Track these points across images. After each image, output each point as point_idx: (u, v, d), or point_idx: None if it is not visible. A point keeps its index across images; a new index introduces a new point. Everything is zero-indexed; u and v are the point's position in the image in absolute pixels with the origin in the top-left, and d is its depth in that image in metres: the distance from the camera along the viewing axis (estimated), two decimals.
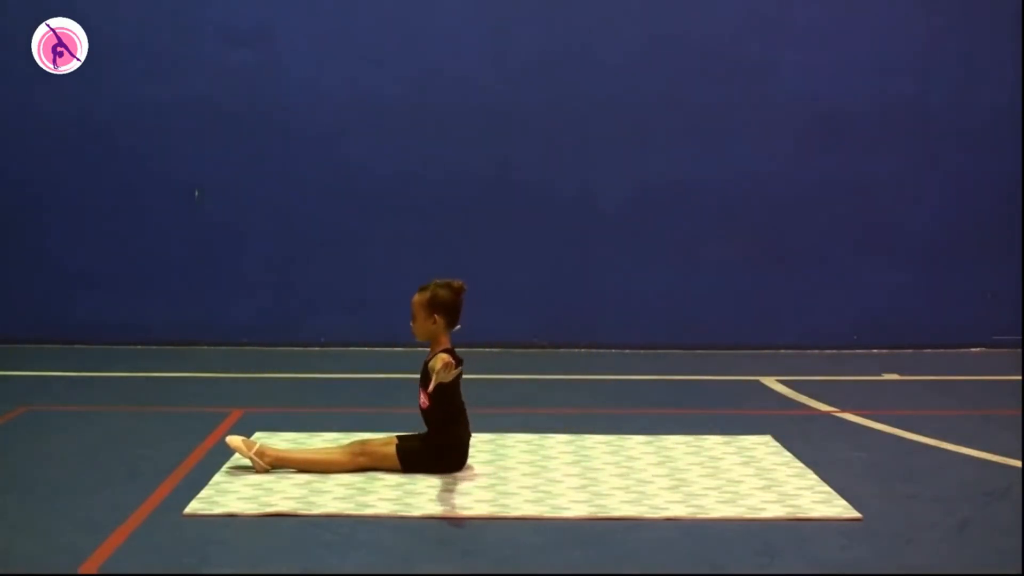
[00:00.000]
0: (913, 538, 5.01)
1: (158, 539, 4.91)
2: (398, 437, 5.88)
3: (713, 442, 6.48)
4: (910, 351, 9.59)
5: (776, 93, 9.57)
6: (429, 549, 4.85)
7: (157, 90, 9.46)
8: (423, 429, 5.89)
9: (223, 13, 9.48)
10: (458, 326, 5.92)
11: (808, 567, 4.67)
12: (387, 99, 9.50)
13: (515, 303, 9.58)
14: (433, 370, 5.57)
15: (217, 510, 5.25)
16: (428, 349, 5.90)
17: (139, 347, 9.46)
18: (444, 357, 5.61)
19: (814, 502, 5.42)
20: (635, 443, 6.45)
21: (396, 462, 5.79)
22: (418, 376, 5.89)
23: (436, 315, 5.81)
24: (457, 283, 5.88)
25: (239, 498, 5.41)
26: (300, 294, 9.62)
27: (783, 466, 6.02)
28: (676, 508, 5.33)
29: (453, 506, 5.34)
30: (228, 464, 5.93)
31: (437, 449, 5.82)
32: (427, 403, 5.77)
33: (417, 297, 5.85)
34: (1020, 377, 8.33)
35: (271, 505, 5.31)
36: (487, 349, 9.48)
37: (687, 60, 9.54)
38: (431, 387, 5.56)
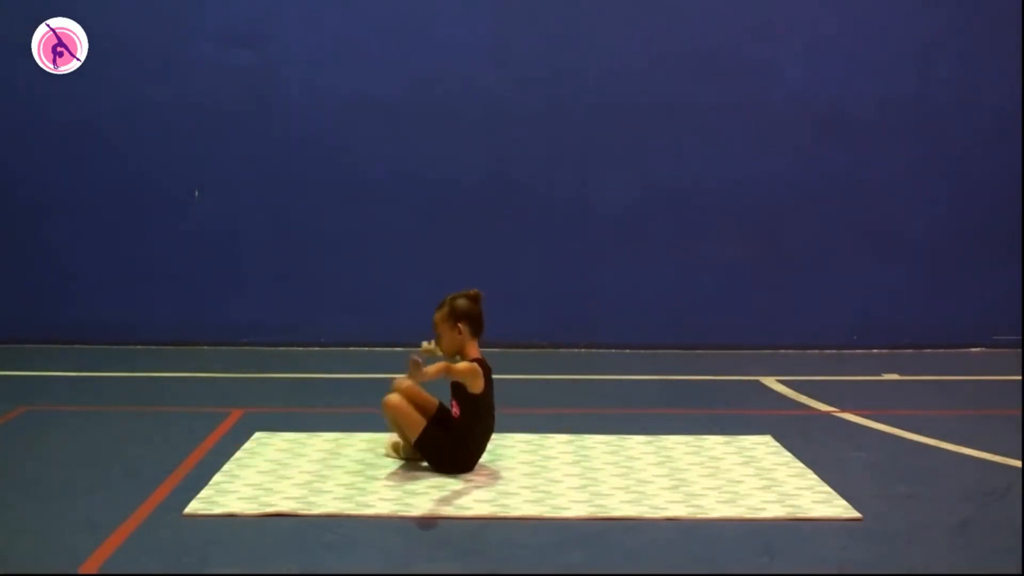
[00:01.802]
0: (913, 538, 5.02)
1: (158, 539, 4.91)
2: (438, 409, 5.94)
3: (713, 442, 6.48)
4: (910, 351, 9.58)
5: (776, 94, 9.57)
6: (429, 549, 4.85)
7: (157, 90, 9.46)
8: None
9: (222, 14, 9.48)
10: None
11: (808, 567, 4.67)
12: (387, 100, 9.50)
13: (515, 303, 9.57)
14: (461, 373, 5.66)
15: (217, 510, 5.25)
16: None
17: (139, 347, 9.46)
18: (465, 364, 5.73)
19: (814, 502, 5.42)
20: (635, 443, 6.45)
21: (418, 431, 5.80)
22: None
23: (459, 324, 5.88)
24: (473, 291, 5.98)
25: (239, 498, 5.41)
26: (300, 294, 9.62)
27: (783, 466, 6.02)
28: (676, 508, 5.33)
29: (453, 506, 5.34)
30: (228, 464, 5.94)
31: (451, 450, 5.85)
32: (458, 412, 5.80)
33: (437, 314, 5.93)
34: (1020, 377, 8.33)
35: (271, 505, 5.31)
36: (487, 349, 9.43)
37: (687, 61, 9.53)
38: (454, 371, 5.60)
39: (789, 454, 6.23)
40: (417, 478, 5.75)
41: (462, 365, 5.73)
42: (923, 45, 9.59)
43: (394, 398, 5.84)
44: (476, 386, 5.76)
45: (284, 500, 5.38)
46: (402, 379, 5.91)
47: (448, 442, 5.84)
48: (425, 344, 6.12)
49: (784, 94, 9.57)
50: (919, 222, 9.67)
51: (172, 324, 9.55)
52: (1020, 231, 9.58)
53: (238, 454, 6.15)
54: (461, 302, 5.91)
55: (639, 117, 9.55)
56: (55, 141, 9.50)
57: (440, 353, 6.06)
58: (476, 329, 5.93)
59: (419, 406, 5.92)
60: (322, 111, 9.51)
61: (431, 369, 5.50)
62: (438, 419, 5.91)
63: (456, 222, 9.58)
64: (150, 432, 6.72)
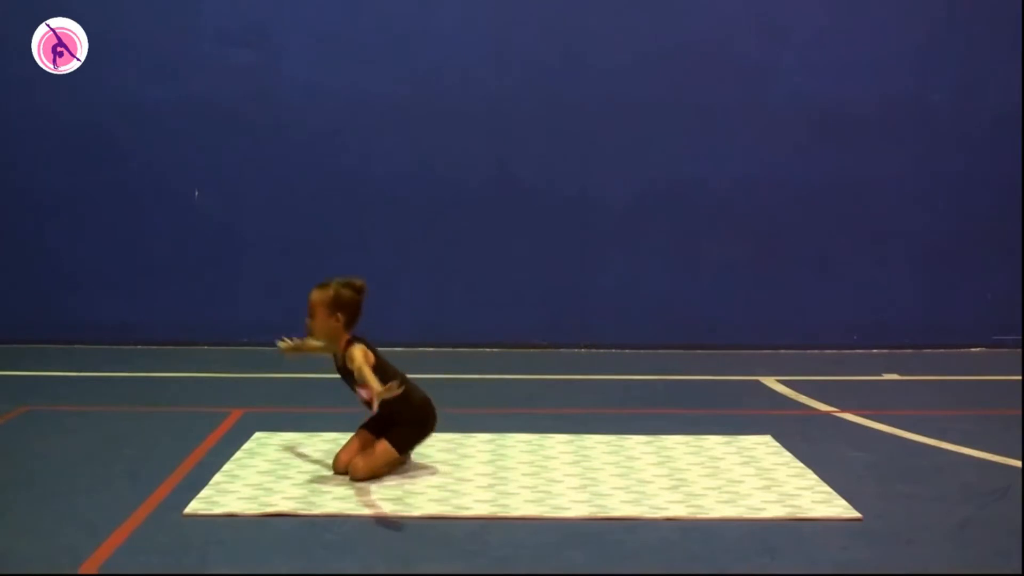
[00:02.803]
0: (913, 538, 5.01)
1: (158, 539, 4.90)
2: (373, 431, 5.83)
3: (713, 442, 6.48)
4: (910, 351, 9.59)
5: (776, 93, 9.57)
6: (429, 549, 4.85)
7: (157, 90, 9.47)
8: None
9: (222, 13, 9.48)
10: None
11: (808, 567, 4.67)
12: (387, 99, 9.50)
13: (515, 303, 9.58)
14: (361, 375, 5.52)
15: (217, 510, 5.25)
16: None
17: (139, 347, 9.46)
18: (358, 356, 5.58)
19: (814, 502, 5.42)
20: (635, 443, 6.44)
21: (395, 454, 5.78)
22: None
23: (338, 313, 5.76)
24: (359, 282, 5.83)
25: (239, 498, 5.41)
26: (300, 294, 9.55)
27: (783, 466, 6.02)
28: (676, 508, 5.33)
29: (453, 506, 5.34)
30: (228, 464, 5.94)
31: (418, 420, 5.81)
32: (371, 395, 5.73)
33: (317, 295, 5.78)
34: (1020, 377, 8.33)
35: (271, 505, 5.31)
36: (487, 349, 9.48)
37: (687, 60, 9.53)
38: (365, 372, 5.46)
39: (789, 454, 6.22)
40: (417, 478, 5.75)
41: (358, 360, 5.59)
42: (923, 44, 9.59)
43: (360, 470, 5.68)
44: (370, 361, 5.64)
45: (284, 500, 5.38)
46: (343, 450, 5.83)
47: (405, 423, 5.78)
48: (283, 343, 6.09)
49: (784, 93, 9.57)
50: (919, 222, 9.67)
51: (172, 324, 9.55)
52: (1020, 231, 9.58)
53: (238, 454, 6.15)
54: (346, 292, 5.77)
55: (639, 116, 9.55)
56: (55, 141, 9.51)
57: (308, 347, 6.03)
58: (352, 321, 5.79)
59: (368, 443, 5.84)
60: (322, 110, 9.51)
61: (377, 388, 5.39)
62: (380, 431, 5.82)
63: (456, 221, 9.58)
64: (150, 432, 6.71)
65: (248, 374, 8.60)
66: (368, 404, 5.71)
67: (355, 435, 5.89)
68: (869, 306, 9.68)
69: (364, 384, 5.54)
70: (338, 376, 5.97)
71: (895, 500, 5.51)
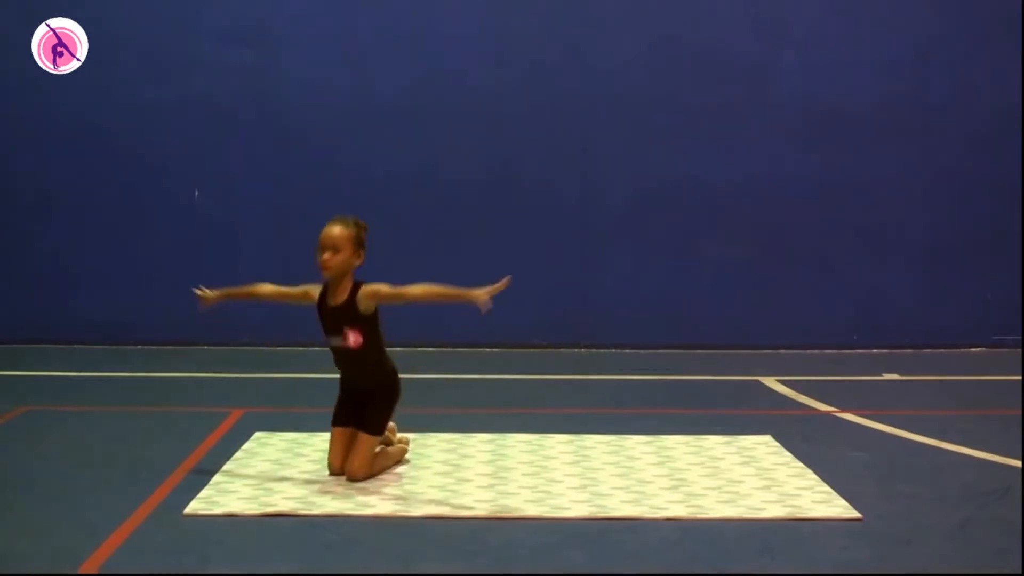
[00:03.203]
0: (913, 538, 5.01)
1: (158, 539, 4.90)
2: (363, 430, 5.77)
3: (713, 442, 6.48)
4: (910, 351, 9.59)
5: (776, 93, 9.57)
6: (429, 549, 4.85)
7: (157, 90, 9.47)
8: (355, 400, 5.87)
9: (223, 13, 9.49)
10: None
11: (808, 567, 4.67)
12: (387, 99, 9.51)
13: (515, 303, 9.53)
14: (377, 294, 5.65)
15: (217, 510, 5.25)
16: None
17: (139, 347, 9.46)
18: (385, 288, 5.70)
19: (814, 502, 5.42)
20: (635, 443, 6.44)
21: (377, 439, 5.77)
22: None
23: (361, 251, 5.79)
24: (363, 222, 5.87)
25: (239, 498, 5.41)
26: None
27: (783, 466, 6.02)
28: (676, 508, 5.33)
29: (453, 506, 5.34)
30: (228, 464, 5.94)
31: (389, 389, 5.83)
32: (361, 339, 5.72)
33: (343, 230, 5.76)
34: (1020, 377, 8.33)
35: (271, 505, 5.31)
36: (487, 349, 9.48)
37: (688, 60, 9.54)
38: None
39: (789, 454, 6.22)
40: (417, 478, 5.75)
41: (392, 289, 5.71)
42: (923, 45, 9.60)
43: (357, 472, 5.66)
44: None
45: (284, 500, 5.38)
46: (332, 455, 5.77)
47: (377, 402, 5.78)
48: (205, 293, 6.13)
49: (784, 93, 9.57)
50: (919, 222, 9.67)
51: (172, 324, 9.54)
52: (1020, 231, 9.58)
53: (238, 454, 6.15)
54: (363, 233, 5.82)
55: (639, 115, 9.56)
56: (55, 141, 9.51)
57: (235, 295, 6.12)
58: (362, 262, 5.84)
59: (350, 441, 5.80)
60: (322, 111, 9.51)
61: (481, 291, 5.48)
62: (355, 420, 5.80)
63: (455, 221, 9.59)
64: (150, 432, 6.72)
65: (248, 374, 8.60)
66: (343, 351, 5.76)
67: (334, 436, 5.84)
68: (869, 306, 9.69)
69: (422, 299, 5.68)
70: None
71: (895, 500, 5.51)
